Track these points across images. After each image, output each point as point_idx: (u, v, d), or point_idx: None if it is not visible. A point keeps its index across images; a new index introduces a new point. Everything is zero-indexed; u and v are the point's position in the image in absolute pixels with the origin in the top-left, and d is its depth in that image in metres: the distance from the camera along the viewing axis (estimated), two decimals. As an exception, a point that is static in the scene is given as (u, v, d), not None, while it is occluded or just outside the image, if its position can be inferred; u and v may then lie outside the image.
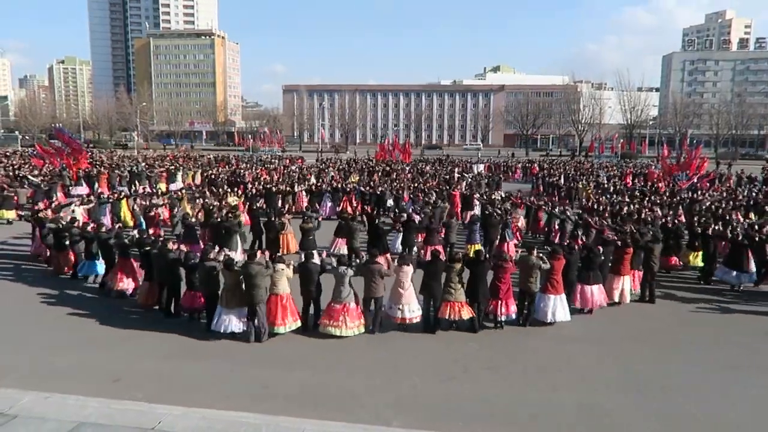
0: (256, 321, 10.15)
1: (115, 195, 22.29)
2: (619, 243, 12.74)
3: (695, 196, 24.25)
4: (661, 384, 8.70)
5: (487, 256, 11.76)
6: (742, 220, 17.40)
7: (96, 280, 13.81)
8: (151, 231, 15.50)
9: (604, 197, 23.56)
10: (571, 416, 7.73)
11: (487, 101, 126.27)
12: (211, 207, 18.55)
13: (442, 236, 16.71)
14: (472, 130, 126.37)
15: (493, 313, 10.90)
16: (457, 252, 13.20)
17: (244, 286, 10.25)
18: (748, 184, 31.04)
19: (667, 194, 24.38)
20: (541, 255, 11.30)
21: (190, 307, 11.25)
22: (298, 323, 10.54)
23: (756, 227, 15.04)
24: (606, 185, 29.03)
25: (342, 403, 8.11)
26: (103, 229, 14.33)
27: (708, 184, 29.05)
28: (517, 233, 18.59)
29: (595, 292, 11.83)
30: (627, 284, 12.59)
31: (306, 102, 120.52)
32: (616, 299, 12.43)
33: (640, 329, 11.29)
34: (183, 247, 12.64)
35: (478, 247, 15.28)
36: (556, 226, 18.26)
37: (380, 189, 25.53)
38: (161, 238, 13.20)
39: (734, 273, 13.81)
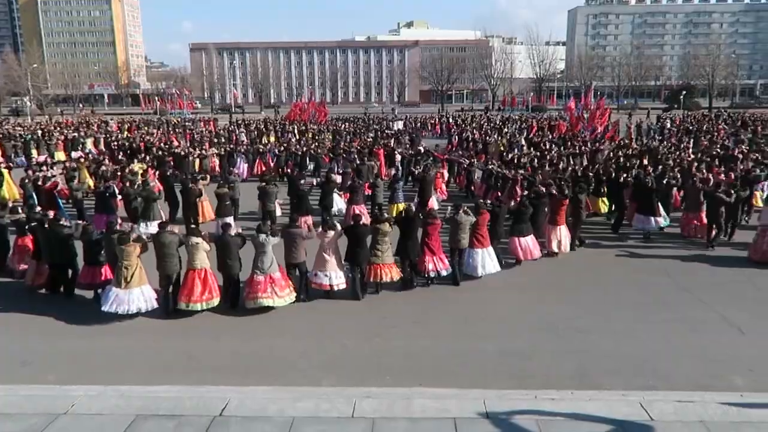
0: (169, 290, 9.84)
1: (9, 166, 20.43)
2: (556, 194, 12.91)
3: (597, 145, 25.35)
4: (575, 325, 9.25)
5: (420, 214, 11.61)
6: (651, 169, 17.71)
7: None
8: (43, 207, 13.88)
9: (515, 150, 24.22)
10: (494, 362, 8.06)
11: (402, 57, 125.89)
12: (107, 175, 17.52)
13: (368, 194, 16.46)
14: (389, 86, 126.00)
15: (432, 271, 10.91)
16: (384, 213, 13.26)
17: (157, 257, 9.82)
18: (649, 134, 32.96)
19: (577, 146, 25.24)
20: (467, 209, 11.49)
21: (90, 283, 10.48)
22: (217, 300, 9.79)
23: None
24: (517, 139, 29.75)
25: (271, 368, 8.05)
26: None
27: (611, 136, 30.40)
28: (440, 189, 18.78)
29: (529, 244, 12.17)
30: (564, 234, 12.90)
31: (216, 61, 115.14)
32: (555, 249, 12.76)
33: (554, 276, 11.92)
34: (79, 222, 11.67)
35: (403, 206, 14.92)
36: (479, 181, 18.64)
37: (297, 149, 25.05)
38: (54, 214, 12.15)
39: (651, 219, 14.10)
